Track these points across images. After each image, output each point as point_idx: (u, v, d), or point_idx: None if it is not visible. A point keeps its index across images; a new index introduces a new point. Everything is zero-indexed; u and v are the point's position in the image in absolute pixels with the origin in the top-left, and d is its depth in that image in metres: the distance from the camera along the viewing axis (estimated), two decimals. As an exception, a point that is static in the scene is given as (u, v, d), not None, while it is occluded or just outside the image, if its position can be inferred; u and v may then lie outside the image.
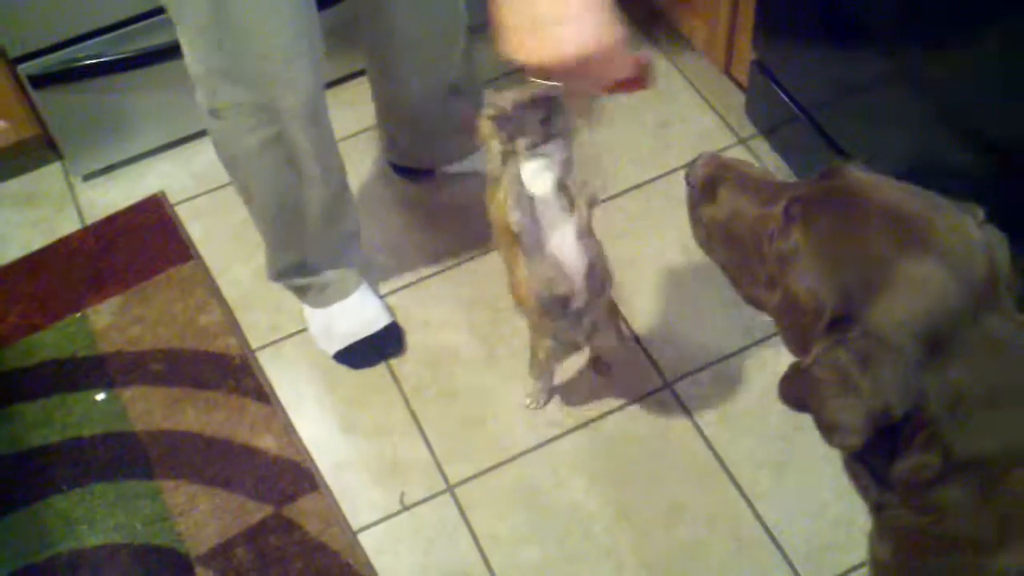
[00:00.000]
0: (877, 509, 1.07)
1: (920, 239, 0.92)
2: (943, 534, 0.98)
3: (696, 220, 1.17)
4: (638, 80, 1.15)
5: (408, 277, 1.95)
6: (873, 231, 0.93)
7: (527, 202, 1.36)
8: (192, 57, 1.42)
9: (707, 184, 1.13)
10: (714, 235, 1.14)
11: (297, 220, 1.67)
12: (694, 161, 1.15)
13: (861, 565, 1.58)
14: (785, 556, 1.60)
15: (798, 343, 1.02)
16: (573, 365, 1.81)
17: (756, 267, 1.06)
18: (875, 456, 0.99)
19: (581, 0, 1.02)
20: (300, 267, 1.79)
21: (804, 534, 1.62)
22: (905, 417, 0.91)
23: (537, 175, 1.36)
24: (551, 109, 1.31)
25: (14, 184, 2.17)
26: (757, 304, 1.10)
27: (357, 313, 1.85)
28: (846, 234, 0.95)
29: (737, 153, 2.06)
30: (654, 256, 1.94)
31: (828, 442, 0.96)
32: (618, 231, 1.97)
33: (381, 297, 1.91)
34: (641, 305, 1.88)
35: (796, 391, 1.00)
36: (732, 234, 1.10)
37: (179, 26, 1.40)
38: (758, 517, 1.64)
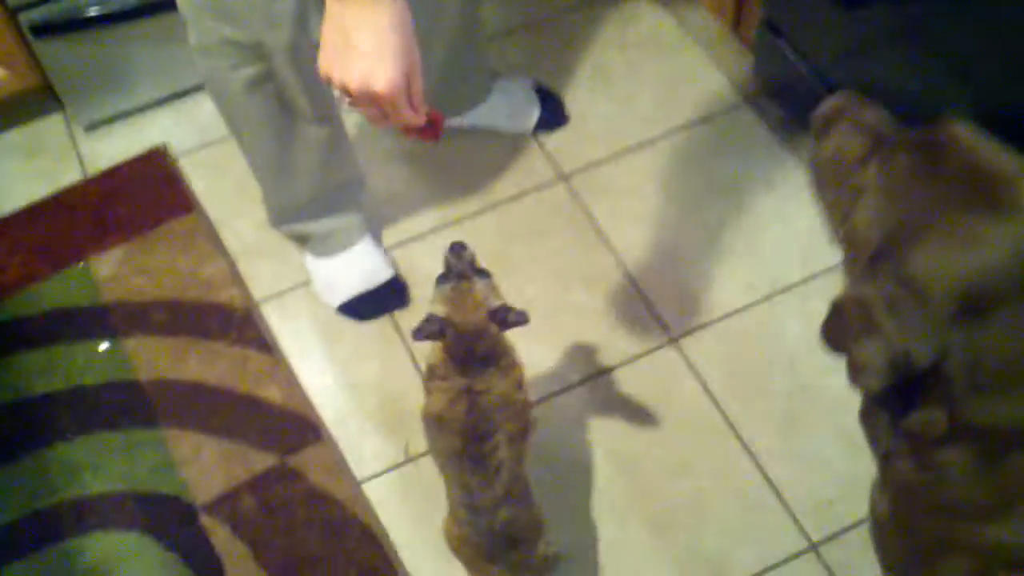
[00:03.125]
0: (884, 460, 1.07)
1: (993, 199, 0.89)
2: (939, 496, 0.99)
3: (811, 159, 1.15)
4: (427, 131, 1.21)
5: (412, 230, 1.95)
6: (944, 180, 0.91)
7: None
8: None
9: (824, 123, 1.12)
10: (820, 174, 1.13)
11: (292, 161, 1.67)
12: (823, 101, 1.14)
13: (863, 521, 1.59)
14: (789, 511, 1.61)
15: (852, 280, 1.01)
16: (578, 323, 1.81)
17: (842, 202, 1.05)
18: (896, 404, 0.99)
19: (385, 41, 1.06)
20: (299, 212, 1.78)
21: (807, 490, 1.63)
22: (927, 370, 0.91)
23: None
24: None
25: (16, 134, 2.15)
26: (840, 242, 1.08)
27: (361, 265, 1.85)
28: (916, 177, 0.93)
29: (743, 114, 2.05)
30: (659, 214, 1.94)
31: (851, 381, 0.95)
32: (624, 189, 1.97)
33: (385, 250, 1.91)
34: (646, 262, 1.88)
35: (833, 329, 0.99)
36: (831, 172, 1.09)
37: None
38: (762, 472, 1.65)
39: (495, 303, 1.31)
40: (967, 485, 0.96)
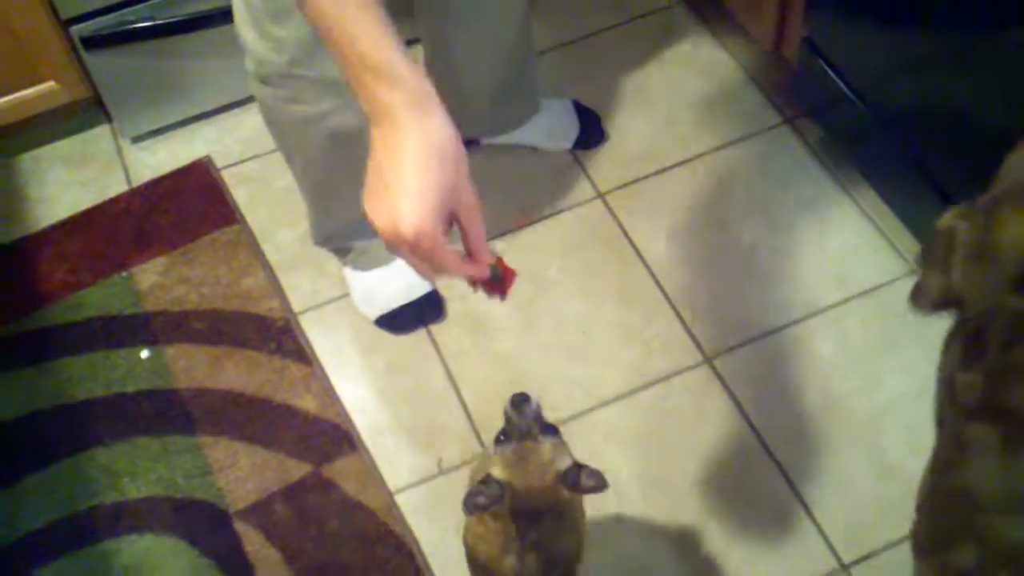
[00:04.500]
0: (938, 424, 1.06)
1: None
2: (963, 477, 0.98)
3: None
4: (493, 286, 1.00)
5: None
6: None
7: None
8: (243, 22, 1.43)
9: None
10: None
11: (343, 186, 1.68)
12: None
13: (895, 543, 1.58)
14: (820, 531, 1.60)
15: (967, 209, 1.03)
16: (612, 340, 1.82)
17: None
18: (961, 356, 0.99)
19: (408, 174, 0.88)
20: (345, 232, 1.80)
21: (839, 511, 1.62)
22: (976, 330, 0.92)
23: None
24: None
25: (65, 145, 2.19)
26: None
27: (399, 279, 1.87)
28: None
29: (782, 134, 2.05)
30: (695, 232, 1.94)
31: (910, 298, 0.99)
32: (661, 207, 1.98)
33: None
34: (682, 280, 1.88)
35: (926, 249, 1.02)
36: None
37: None
38: (794, 492, 1.64)
39: (565, 463, 1.16)
40: (987, 470, 0.95)
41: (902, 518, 1.60)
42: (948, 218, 0.98)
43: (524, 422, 1.15)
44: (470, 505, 1.13)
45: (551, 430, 1.17)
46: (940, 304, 0.95)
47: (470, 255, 0.96)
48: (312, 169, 1.67)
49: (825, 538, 1.60)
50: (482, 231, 0.95)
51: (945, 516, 1.02)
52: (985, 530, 0.96)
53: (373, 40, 0.89)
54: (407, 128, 0.88)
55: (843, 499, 1.63)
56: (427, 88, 0.90)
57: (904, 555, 1.57)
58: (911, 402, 1.71)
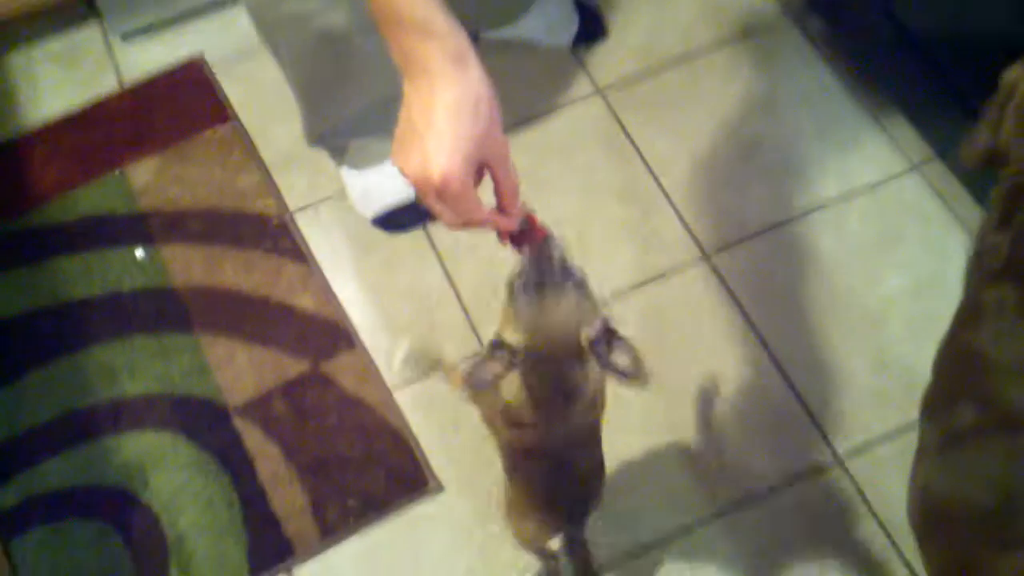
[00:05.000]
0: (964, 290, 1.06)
1: None
2: (975, 336, 0.98)
3: None
4: (522, 240, 0.97)
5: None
6: None
7: None
8: None
9: None
10: None
11: (334, 84, 1.65)
12: None
13: (890, 435, 1.59)
14: (816, 424, 1.61)
15: None
16: (611, 237, 1.81)
17: None
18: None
19: (443, 122, 0.87)
20: (339, 131, 1.78)
21: (836, 404, 1.63)
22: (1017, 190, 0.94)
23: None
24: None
25: (54, 43, 2.15)
26: None
27: (395, 178, 1.83)
28: None
29: (785, 29, 2.01)
30: (696, 129, 1.92)
31: (960, 150, 1.01)
32: (661, 103, 1.95)
33: (419, 163, 1.90)
34: (681, 177, 1.86)
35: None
36: None
37: None
38: (791, 386, 1.64)
39: (596, 321, 0.98)
40: (1000, 331, 0.96)
41: (899, 411, 1.63)
42: (1013, 71, 0.97)
43: (545, 266, 0.96)
44: (477, 379, 0.99)
45: (575, 276, 0.98)
46: (987, 159, 0.96)
47: (500, 208, 0.96)
48: (300, 68, 1.64)
49: (821, 431, 1.61)
50: (514, 183, 0.95)
51: (953, 376, 1.03)
52: (990, 391, 0.96)
53: None
54: (443, 79, 0.89)
55: (840, 393, 1.64)
56: (465, 43, 0.92)
57: (900, 447, 1.59)
58: (910, 298, 1.70)
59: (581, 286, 0.99)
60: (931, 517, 1.03)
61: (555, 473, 1.17)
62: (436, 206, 0.93)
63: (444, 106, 0.89)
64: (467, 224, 0.94)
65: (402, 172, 0.92)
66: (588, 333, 0.97)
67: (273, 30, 1.57)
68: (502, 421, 1.14)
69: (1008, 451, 0.94)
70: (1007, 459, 0.94)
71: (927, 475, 1.04)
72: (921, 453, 1.06)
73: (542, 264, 0.97)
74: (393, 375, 1.70)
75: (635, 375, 0.96)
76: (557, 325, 0.97)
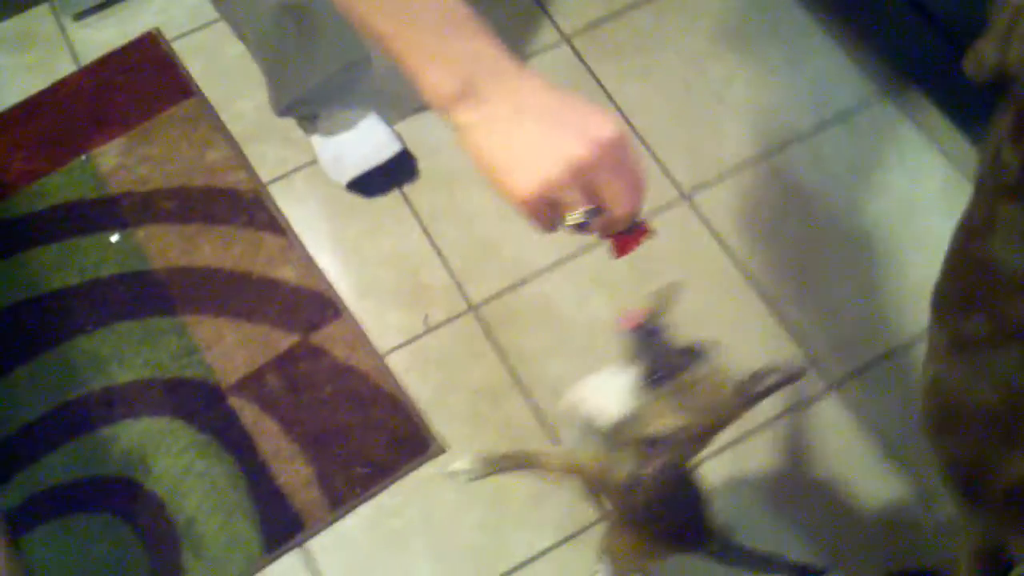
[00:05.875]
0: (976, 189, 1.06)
1: None
2: (985, 248, 0.99)
3: None
4: (623, 235, 0.91)
5: (417, 104, 1.92)
6: None
7: None
8: None
9: None
10: None
11: (299, 52, 1.62)
12: None
13: (879, 359, 1.61)
14: (807, 355, 1.63)
15: None
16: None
17: None
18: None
19: (502, 148, 0.80)
20: (306, 98, 1.75)
21: (825, 333, 1.65)
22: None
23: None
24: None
25: (4, 28, 2.10)
26: None
27: (368, 141, 1.83)
28: None
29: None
30: (665, 70, 1.91)
31: (964, 63, 0.99)
32: (628, 47, 1.93)
33: (390, 124, 1.88)
34: (654, 120, 1.85)
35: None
36: None
37: None
38: (780, 319, 1.66)
39: (738, 377, 0.98)
40: (1011, 249, 0.97)
41: (888, 334, 1.65)
42: None
43: (664, 352, 0.96)
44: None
45: (694, 355, 0.98)
46: (993, 76, 0.95)
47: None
48: (263, 41, 1.61)
49: (813, 361, 1.62)
50: (635, 175, 0.84)
51: (966, 281, 1.04)
52: (1000, 305, 0.98)
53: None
54: (519, 63, 0.80)
55: (828, 321, 1.65)
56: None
57: (890, 369, 1.61)
58: (892, 222, 1.71)
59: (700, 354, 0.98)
60: (940, 413, 1.05)
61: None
62: (606, 179, 0.81)
63: (561, 92, 0.79)
64: (627, 198, 0.84)
65: (545, 174, 0.81)
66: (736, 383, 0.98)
67: (232, 4, 1.54)
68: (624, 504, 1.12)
69: (1019, 358, 0.95)
70: (1019, 364, 0.96)
71: (936, 370, 1.05)
72: (931, 351, 1.07)
73: (661, 354, 0.97)
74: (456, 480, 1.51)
75: (792, 374, 1.00)
76: (706, 399, 0.97)
